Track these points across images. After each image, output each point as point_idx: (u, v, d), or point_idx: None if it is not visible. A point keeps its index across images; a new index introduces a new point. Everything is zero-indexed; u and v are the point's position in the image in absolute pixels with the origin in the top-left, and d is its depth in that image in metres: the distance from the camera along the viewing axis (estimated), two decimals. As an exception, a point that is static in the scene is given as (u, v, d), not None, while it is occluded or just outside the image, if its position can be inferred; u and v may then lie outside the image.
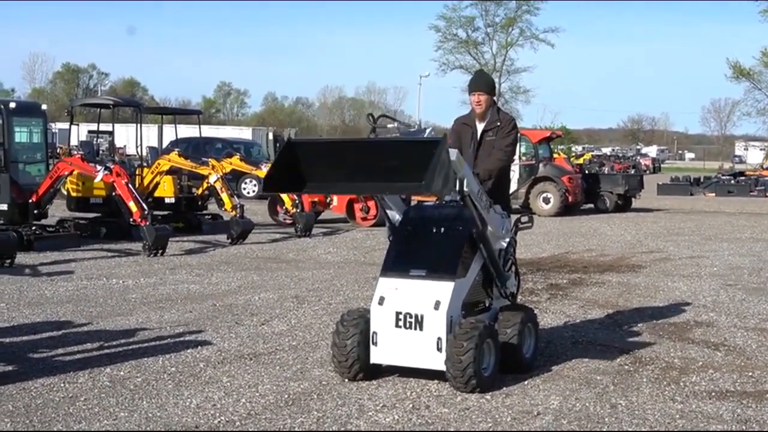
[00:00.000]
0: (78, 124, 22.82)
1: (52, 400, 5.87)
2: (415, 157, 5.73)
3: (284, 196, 16.63)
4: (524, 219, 7.25)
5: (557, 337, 8.03)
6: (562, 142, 54.95)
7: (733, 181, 38.65)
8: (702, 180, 39.32)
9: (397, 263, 6.51)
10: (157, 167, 16.97)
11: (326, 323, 8.42)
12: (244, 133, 52.32)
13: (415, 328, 6.22)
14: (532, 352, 6.83)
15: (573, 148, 66.87)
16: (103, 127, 21.72)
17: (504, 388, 6.22)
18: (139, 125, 17.69)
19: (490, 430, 5.44)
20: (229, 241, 15.29)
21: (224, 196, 16.01)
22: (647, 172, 59.37)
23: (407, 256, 6.52)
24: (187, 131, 28.98)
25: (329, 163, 6.16)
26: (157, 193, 17.05)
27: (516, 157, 18.58)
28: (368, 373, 6.39)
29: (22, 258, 12.45)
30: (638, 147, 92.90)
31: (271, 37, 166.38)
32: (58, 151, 29.85)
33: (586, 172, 29.63)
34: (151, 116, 25.48)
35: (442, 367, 6.11)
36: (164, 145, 22.00)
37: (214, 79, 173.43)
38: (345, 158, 6.14)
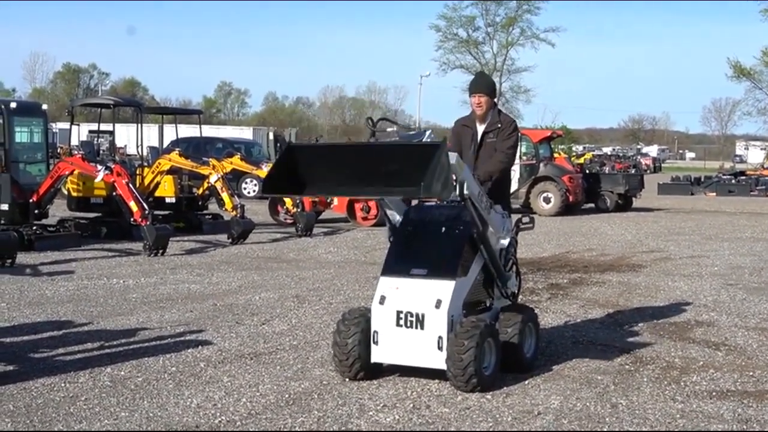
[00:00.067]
0: (78, 124, 22.87)
1: (52, 399, 5.87)
2: (415, 161, 5.74)
3: (284, 196, 16.64)
4: (525, 220, 7.26)
5: (558, 336, 8.04)
6: (562, 141, 54.95)
7: (733, 181, 38.65)
8: (703, 179, 39.32)
9: (398, 263, 6.51)
10: (157, 167, 16.98)
11: (327, 323, 8.42)
12: (245, 133, 52.32)
13: (416, 327, 6.22)
14: (532, 352, 6.83)
15: (574, 148, 66.86)
16: (104, 126, 21.73)
17: (504, 388, 6.22)
18: (139, 125, 17.71)
19: (491, 429, 5.44)
20: (230, 240, 15.29)
21: (225, 195, 16.01)
22: (648, 171, 59.40)
23: (408, 255, 6.53)
24: (188, 131, 28.99)
25: (329, 167, 6.18)
26: (157, 193, 17.05)
27: (516, 157, 18.67)
28: (369, 372, 6.39)
29: (22, 258, 12.46)
30: (639, 146, 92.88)
31: (272, 36, 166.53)
32: (58, 150, 29.86)
33: (587, 171, 29.61)
34: (151, 116, 25.45)
35: (443, 366, 6.11)
36: (165, 145, 22.00)
37: (214, 78, 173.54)
38: (345, 162, 6.16)
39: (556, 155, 27.19)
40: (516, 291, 7.08)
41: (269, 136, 39.31)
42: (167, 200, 17.10)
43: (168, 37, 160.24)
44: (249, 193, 27.77)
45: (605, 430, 5.47)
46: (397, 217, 6.73)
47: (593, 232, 18.92)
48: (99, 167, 14.17)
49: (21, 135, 15.25)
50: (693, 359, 7.29)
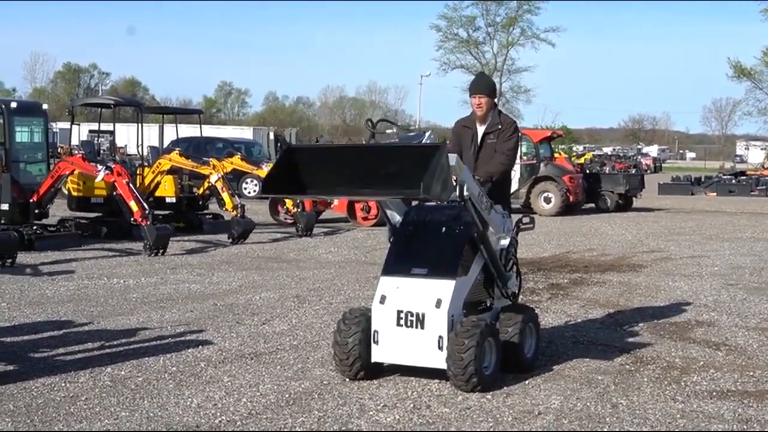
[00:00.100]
0: (79, 124, 22.87)
1: (53, 399, 5.87)
2: (415, 163, 5.74)
3: (285, 196, 16.63)
4: (526, 220, 7.26)
5: (558, 336, 8.03)
6: (563, 141, 54.94)
7: (734, 181, 38.63)
8: (703, 179, 39.30)
9: (399, 262, 6.52)
10: (158, 167, 16.98)
11: (327, 323, 8.42)
12: (245, 133, 52.34)
13: (417, 327, 6.22)
14: (533, 352, 6.83)
15: (574, 148, 66.85)
16: (104, 126, 21.77)
17: (505, 388, 6.22)
18: (140, 125, 17.72)
19: (491, 429, 5.44)
20: (230, 240, 15.29)
21: (225, 195, 16.01)
22: (648, 171, 59.36)
23: (408, 255, 6.53)
24: (188, 131, 28.98)
25: (329, 169, 6.18)
26: (158, 193, 17.05)
27: (517, 157, 18.67)
28: (369, 371, 6.39)
29: (23, 257, 12.46)
30: (639, 146, 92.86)
31: (272, 36, 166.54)
32: (59, 150, 29.84)
33: (587, 171, 29.60)
34: (152, 116, 25.47)
35: (443, 366, 6.11)
36: (165, 145, 22.01)
37: (215, 78, 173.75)
38: (345, 164, 6.16)
39: (556, 155, 27.17)
40: (516, 291, 7.08)
41: (269, 136, 39.27)
42: (167, 200, 17.09)
43: (168, 37, 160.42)
44: (249, 193, 27.77)
45: (606, 430, 5.47)
46: (397, 218, 6.73)
47: (594, 232, 18.92)
48: (99, 167, 14.17)
49: (21, 135, 15.25)
50: (693, 359, 7.29)
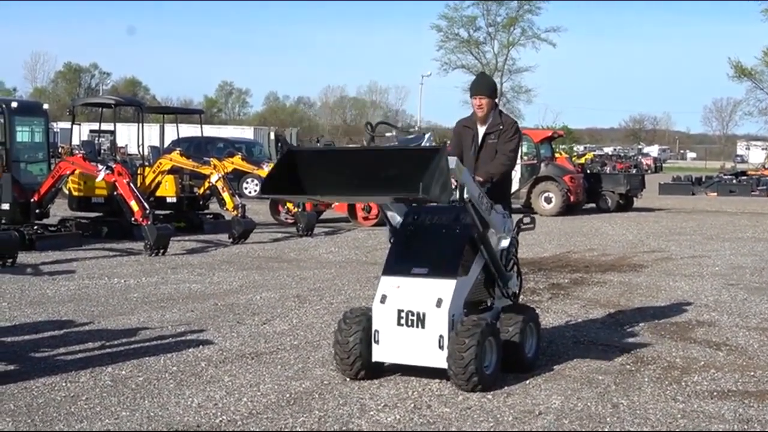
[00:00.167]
0: (80, 124, 22.90)
1: (53, 399, 5.88)
2: (415, 166, 5.74)
3: (285, 196, 16.63)
4: (526, 220, 7.26)
5: (559, 336, 8.03)
6: (563, 141, 54.90)
7: (734, 181, 38.61)
8: (704, 179, 39.29)
9: (399, 262, 6.52)
10: (158, 166, 16.98)
11: (328, 323, 8.42)
12: (246, 133, 52.30)
13: (417, 326, 6.22)
14: (533, 352, 6.83)
15: (575, 148, 66.82)
16: (105, 126, 21.78)
17: (505, 388, 6.22)
18: (140, 125, 17.73)
19: (492, 429, 5.44)
20: (231, 240, 15.30)
21: (226, 195, 16.01)
22: (649, 171, 59.36)
23: (409, 255, 6.53)
24: (189, 131, 29.00)
25: (328, 172, 6.19)
26: (158, 193, 17.06)
27: (518, 157, 18.67)
28: (370, 371, 6.40)
29: (23, 257, 12.46)
30: (640, 146, 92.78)
31: (273, 36, 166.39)
32: (59, 150, 29.84)
33: (588, 171, 29.60)
34: (152, 116, 25.48)
35: (444, 365, 6.11)
36: (166, 145, 22.02)
37: (215, 78, 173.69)
38: (344, 167, 6.17)
39: (557, 155, 27.18)
40: (517, 291, 7.09)
41: (270, 135, 39.33)
42: (168, 200, 17.10)
43: (169, 37, 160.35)
44: (250, 192, 27.79)
45: (606, 430, 5.47)
46: (397, 218, 6.73)
47: (594, 232, 18.92)
48: (100, 167, 14.18)
49: (22, 134, 15.27)
50: (694, 359, 7.29)
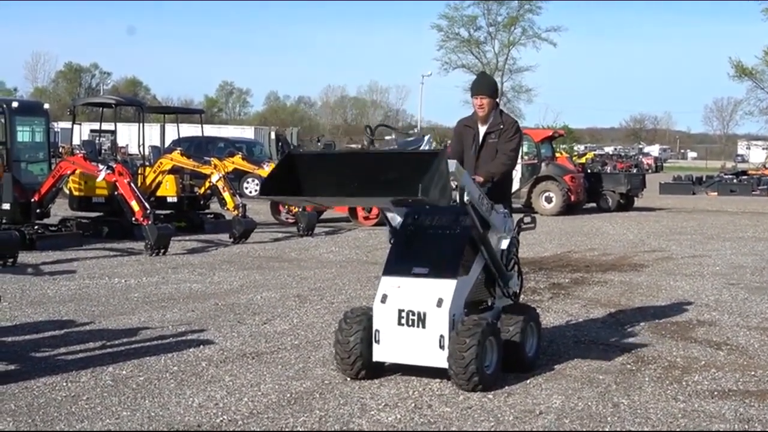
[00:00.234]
0: (80, 124, 22.87)
1: (54, 399, 5.88)
2: (414, 169, 5.75)
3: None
4: (527, 219, 7.26)
5: (559, 336, 8.03)
6: (564, 141, 54.83)
7: (735, 181, 38.60)
8: (704, 179, 39.27)
9: (400, 262, 6.52)
10: (159, 166, 16.98)
11: (328, 322, 8.42)
12: (246, 133, 52.31)
13: (418, 326, 6.22)
14: (534, 351, 6.83)
15: (575, 147, 66.76)
16: (106, 126, 21.77)
17: (506, 387, 6.22)
18: (141, 124, 17.75)
19: (492, 429, 5.44)
20: (232, 240, 15.30)
21: (226, 195, 16.02)
22: (649, 171, 59.33)
23: (410, 255, 6.53)
24: (190, 130, 29.02)
25: (328, 175, 6.20)
26: (159, 193, 17.05)
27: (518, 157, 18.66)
28: (371, 371, 6.40)
29: (24, 257, 12.47)
30: (640, 146, 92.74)
31: (273, 36, 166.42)
32: (60, 150, 29.84)
33: (589, 171, 29.58)
34: (153, 115, 25.51)
35: (445, 365, 6.11)
36: (166, 144, 22.03)
37: (216, 78, 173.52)
38: (344, 170, 6.18)
39: (557, 155, 27.18)
40: (518, 290, 7.09)
41: (271, 135, 39.35)
42: (169, 200, 17.10)
43: (170, 37, 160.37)
44: (250, 192, 27.79)
45: (607, 429, 5.47)
46: (398, 219, 6.74)
47: (595, 231, 18.92)
48: (101, 167, 14.18)
49: (23, 134, 15.27)
50: (695, 359, 7.29)
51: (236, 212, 15.60)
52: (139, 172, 16.87)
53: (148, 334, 7.93)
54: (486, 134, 7.03)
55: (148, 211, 13.46)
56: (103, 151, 23.37)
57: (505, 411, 5.74)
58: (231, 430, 5.35)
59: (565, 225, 20.14)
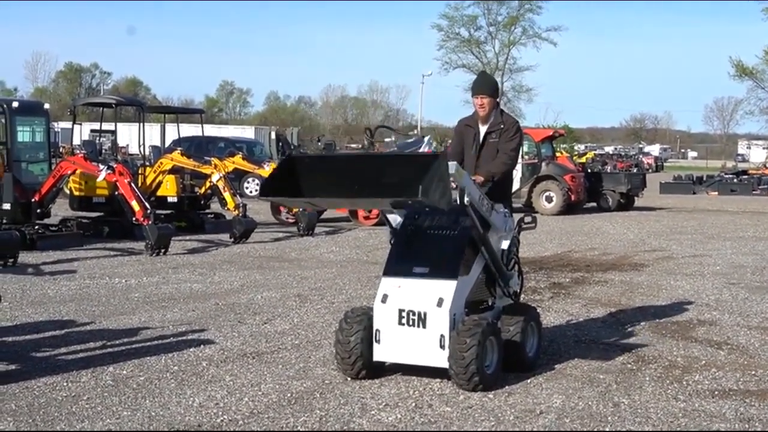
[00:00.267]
0: (81, 123, 22.90)
1: (54, 399, 5.88)
2: (414, 172, 5.75)
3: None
4: (527, 219, 7.26)
5: (560, 335, 8.03)
6: (564, 140, 54.80)
7: (736, 180, 38.59)
8: (705, 179, 39.26)
9: (400, 262, 6.52)
10: (159, 166, 16.99)
11: (329, 322, 8.42)
12: (247, 132, 52.30)
13: (418, 326, 6.22)
14: (534, 351, 6.83)
15: (576, 147, 66.72)
16: (106, 126, 21.78)
17: (507, 387, 6.22)
18: (141, 124, 17.76)
19: (493, 428, 5.44)
20: (232, 240, 15.30)
21: (227, 195, 16.02)
22: (650, 170, 59.30)
23: (410, 255, 6.53)
24: (190, 130, 29.01)
25: (328, 177, 6.20)
26: (159, 192, 17.06)
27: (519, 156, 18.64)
28: (371, 371, 6.40)
29: (24, 257, 12.47)
30: (641, 146, 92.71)
31: (274, 36, 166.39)
32: (60, 150, 29.86)
33: (589, 170, 29.58)
34: (153, 115, 25.50)
35: (445, 365, 6.11)
36: (167, 144, 22.04)
37: (216, 78, 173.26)
38: (345, 173, 6.18)
39: (558, 154, 27.17)
40: (518, 290, 7.09)
41: (271, 135, 39.37)
42: (169, 199, 17.10)
43: (170, 37, 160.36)
44: (251, 192, 27.79)
45: (607, 429, 5.47)
46: (398, 219, 6.74)
47: (595, 231, 18.92)
48: (101, 167, 14.18)
49: (23, 134, 15.27)
50: (695, 358, 7.29)
51: (237, 212, 15.60)
52: (140, 172, 16.87)
53: (148, 334, 7.93)
54: (487, 134, 7.03)
55: (149, 211, 13.46)
56: (103, 151, 23.37)
57: (506, 410, 5.74)
58: (231, 429, 5.35)
59: (565, 224, 20.14)
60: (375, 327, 6.37)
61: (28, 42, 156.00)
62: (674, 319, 8.93)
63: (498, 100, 7.23)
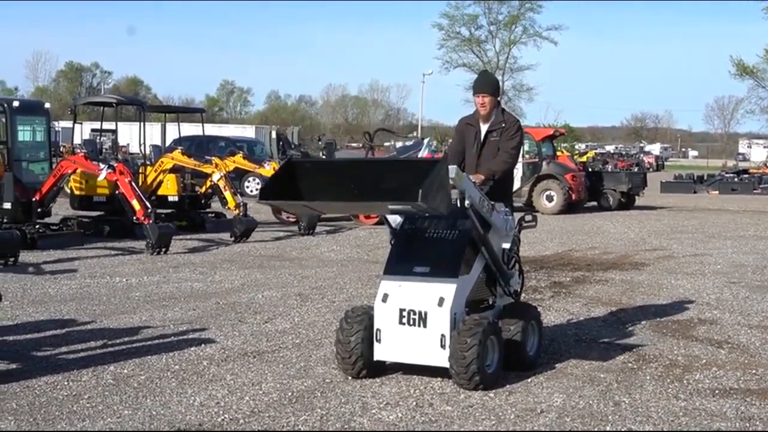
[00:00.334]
0: (81, 123, 22.89)
1: (55, 398, 5.88)
2: (415, 176, 5.75)
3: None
4: (528, 218, 7.26)
5: (561, 334, 8.03)
6: (565, 139, 54.80)
7: (736, 179, 38.57)
8: (705, 178, 39.25)
9: (401, 262, 6.52)
10: (160, 165, 16.98)
11: (329, 321, 8.42)
12: (247, 132, 52.36)
13: (419, 325, 6.22)
14: (535, 350, 6.83)
15: (576, 146, 66.73)
16: (107, 125, 21.79)
17: (507, 386, 6.23)
18: (142, 123, 17.76)
19: (494, 428, 5.44)
20: (233, 239, 15.30)
21: (227, 194, 16.02)
22: (650, 169, 59.30)
23: (410, 254, 6.54)
24: (191, 129, 29.01)
25: (328, 182, 6.20)
26: (160, 192, 17.05)
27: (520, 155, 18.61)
28: (372, 370, 6.40)
29: (25, 256, 12.47)
30: (642, 145, 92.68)
31: (274, 35, 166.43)
32: (61, 149, 29.86)
33: (590, 169, 29.55)
34: (154, 114, 25.50)
35: (446, 364, 6.11)
36: (167, 144, 22.04)
37: (217, 77, 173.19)
38: (344, 178, 6.18)
39: (558, 153, 27.16)
40: (519, 289, 7.09)
41: (272, 134, 39.30)
42: (170, 199, 17.10)
43: (170, 36, 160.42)
44: (251, 191, 27.78)
45: (608, 428, 5.47)
46: (398, 220, 6.73)
47: (596, 230, 18.91)
48: (102, 166, 14.18)
49: (24, 134, 15.27)
50: (696, 357, 7.29)
51: (237, 211, 15.60)
52: (140, 171, 16.87)
53: (149, 333, 7.94)
54: (488, 132, 7.04)
55: (149, 210, 13.46)
56: (104, 151, 23.37)
57: (506, 410, 5.74)
58: (232, 429, 5.35)
59: (566, 224, 20.14)
60: (376, 326, 6.37)
61: (28, 41, 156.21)
62: (675, 318, 8.93)
63: (499, 99, 7.23)
